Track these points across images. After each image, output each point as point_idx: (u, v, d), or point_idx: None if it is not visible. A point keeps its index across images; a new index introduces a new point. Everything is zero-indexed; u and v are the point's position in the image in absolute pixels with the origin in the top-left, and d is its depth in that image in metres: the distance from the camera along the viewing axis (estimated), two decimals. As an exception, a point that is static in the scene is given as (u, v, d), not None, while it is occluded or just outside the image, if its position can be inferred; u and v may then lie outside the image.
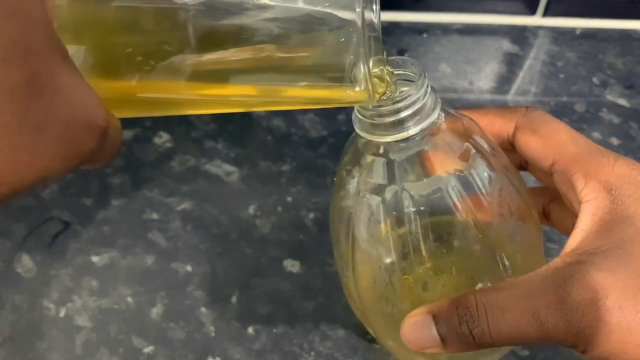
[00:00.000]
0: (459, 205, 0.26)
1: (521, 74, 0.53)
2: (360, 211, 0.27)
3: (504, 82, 0.52)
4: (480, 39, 0.56)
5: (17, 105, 0.14)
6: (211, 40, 0.20)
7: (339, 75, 0.21)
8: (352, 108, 0.25)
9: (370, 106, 0.24)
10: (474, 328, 0.23)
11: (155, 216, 0.44)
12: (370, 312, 0.30)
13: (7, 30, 0.14)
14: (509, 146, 0.28)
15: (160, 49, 0.19)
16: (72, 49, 0.17)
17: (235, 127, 0.50)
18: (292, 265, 0.41)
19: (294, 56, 0.21)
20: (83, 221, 0.44)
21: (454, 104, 0.50)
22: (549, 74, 0.53)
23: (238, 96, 0.21)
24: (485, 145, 0.27)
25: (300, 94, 0.22)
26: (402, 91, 0.24)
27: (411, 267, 0.28)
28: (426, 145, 0.26)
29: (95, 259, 0.42)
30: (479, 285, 0.28)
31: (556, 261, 0.23)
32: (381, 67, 0.24)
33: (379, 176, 0.26)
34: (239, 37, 0.20)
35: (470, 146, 0.26)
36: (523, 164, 0.30)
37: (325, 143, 0.48)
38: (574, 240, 0.24)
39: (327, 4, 0.20)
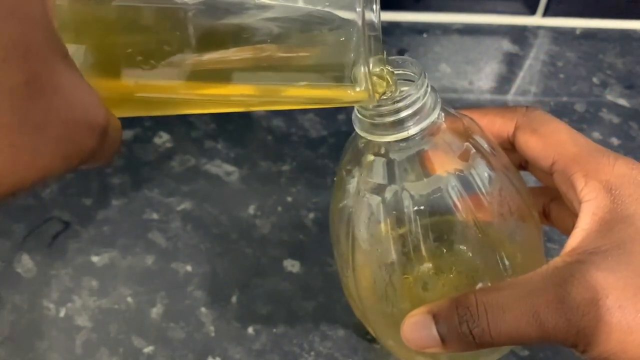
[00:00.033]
0: (459, 205, 0.26)
1: (521, 74, 0.53)
2: (361, 211, 0.27)
3: (504, 82, 0.52)
4: (480, 39, 0.56)
5: (17, 105, 0.14)
6: (211, 39, 0.20)
7: (339, 75, 0.21)
8: (352, 108, 0.25)
9: (370, 106, 0.24)
10: (474, 328, 0.23)
11: (155, 216, 0.44)
12: (370, 311, 0.30)
13: (7, 30, 0.14)
14: (509, 146, 0.28)
15: (160, 49, 0.19)
16: (72, 48, 0.17)
17: (235, 127, 0.50)
18: (292, 265, 0.41)
19: (294, 56, 0.21)
20: (83, 221, 0.44)
21: (454, 104, 0.50)
22: (549, 74, 0.53)
23: (238, 96, 0.21)
24: (486, 145, 0.27)
25: (301, 94, 0.22)
26: (402, 91, 0.24)
27: (411, 266, 0.28)
28: (426, 145, 0.26)
29: (95, 259, 0.42)
30: (479, 285, 0.28)
31: (556, 261, 0.23)
32: (381, 67, 0.24)
33: (379, 176, 0.26)
34: (239, 36, 0.20)
35: (470, 146, 0.26)
36: (523, 164, 0.30)
37: (325, 143, 0.48)
38: (574, 239, 0.24)
39: (327, 4, 0.20)
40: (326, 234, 0.32)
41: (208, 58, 0.20)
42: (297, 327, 0.38)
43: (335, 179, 0.29)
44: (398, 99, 0.24)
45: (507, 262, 0.27)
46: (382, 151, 0.26)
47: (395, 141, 0.25)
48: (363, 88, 0.21)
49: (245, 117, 0.50)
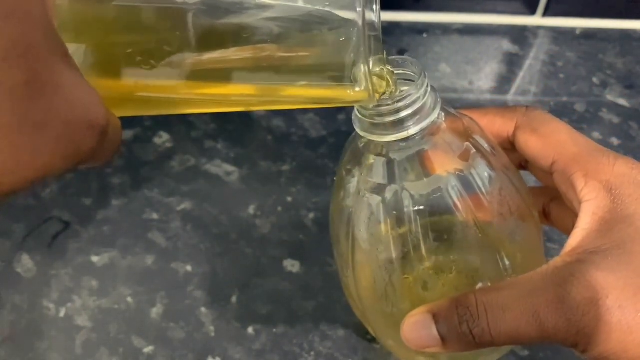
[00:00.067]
0: (459, 205, 0.26)
1: (521, 74, 0.53)
2: (361, 211, 0.27)
3: (504, 82, 0.52)
4: (480, 39, 0.56)
5: (17, 104, 0.14)
6: (211, 39, 0.20)
7: (339, 75, 0.21)
8: (352, 108, 0.25)
9: (370, 106, 0.24)
10: (474, 327, 0.23)
11: (155, 216, 0.44)
12: (370, 311, 0.30)
13: (8, 29, 0.14)
14: (509, 146, 0.28)
15: (160, 48, 0.19)
16: (72, 48, 0.17)
17: (235, 127, 0.50)
18: (292, 265, 0.41)
19: (294, 55, 0.21)
20: (83, 221, 0.44)
21: (454, 104, 0.50)
22: (549, 74, 0.53)
23: (238, 95, 0.21)
24: (486, 145, 0.27)
25: (301, 94, 0.22)
26: (402, 91, 0.24)
27: (411, 266, 0.28)
28: (426, 145, 0.26)
29: (95, 259, 0.42)
30: (479, 285, 0.28)
31: (556, 260, 0.23)
32: (381, 67, 0.24)
33: (379, 176, 0.26)
34: (239, 36, 0.20)
35: (471, 146, 0.26)
36: (523, 164, 0.30)
37: (325, 143, 0.48)
38: (574, 239, 0.24)
39: (327, 4, 0.20)
40: (326, 234, 0.32)
41: (208, 58, 0.20)
42: (297, 327, 0.38)
43: (335, 179, 0.29)
44: (398, 98, 0.24)
45: (507, 262, 0.27)
46: (382, 151, 0.26)
47: (395, 141, 0.25)
48: (363, 88, 0.21)
49: (245, 117, 0.50)
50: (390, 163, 0.26)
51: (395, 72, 0.25)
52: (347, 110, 0.49)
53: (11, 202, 0.45)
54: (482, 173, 0.26)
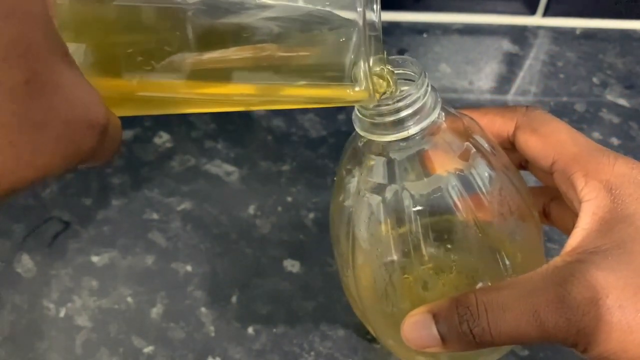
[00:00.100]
0: (459, 205, 0.26)
1: (521, 74, 0.53)
2: (361, 210, 0.27)
3: (504, 82, 0.52)
4: (480, 39, 0.56)
5: (18, 104, 0.14)
6: (211, 39, 0.20)
7: (340, 75, 0.21)
8: (352, 108, 0.25)
9: (370, 105, 0.24)
10: (474, 327, 0.23)
11: (155, 216, 0.44)
12: (370, 311, 0.30)
13: (8, 29, 0.14)
14: (509, 145, 0.28)
15: (160, 48, 0.19)
16: (72, 47, 0.17)
17: (235, 127, 0.50)
18: (292, 265, 0.41)
19: (295, 55, 0.21)
20: (83, 221, 0.44)
21: (454, 104, 0.50)
22: (549, 74, 0.53)
23: (238, 95, 0.21)
24: (486, 145, 0.27)
25: (301, 93, 0.22)
26: (402, 90, 0.24)
27: (411, 266, 0.28)
28: (426, 145, 0.26)
29: (95, 259, 0.42)
30: (479, 285, 0.28)
31: (556, 260, 0.23)
32: (381, 67, 0.24)
33: (379, 175, 0.26)
34: (239, 36, 0.20)
35: (471, 145, 0.26)
36: (523, 163, 0.30)
37: (325, 143, 0.48)
38: (574, 239, 0.24)
39: (327, 3, 0.20)
40: (326, 234, 0.32)
41: (208, 57, 0.20)
42: (297, 327, 0.38)
43: (335, 178, 0.29)
44: (398, 98, 0.24)
45: (507, 262, 0.27)
46: (383, 151, 0.26)
47: (396, 141, 0.25)
48: (363, 88, 0.21)
49: (245, 117, 0.50)
50: (390, 163, 0.26)
51: (396, 71, 0.25)
52: (347, 110, 0.49)
53: (11, 202, 0.45)
54: (482, 173, 0.26)
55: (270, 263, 0.41)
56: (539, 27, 0.56)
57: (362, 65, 0.20)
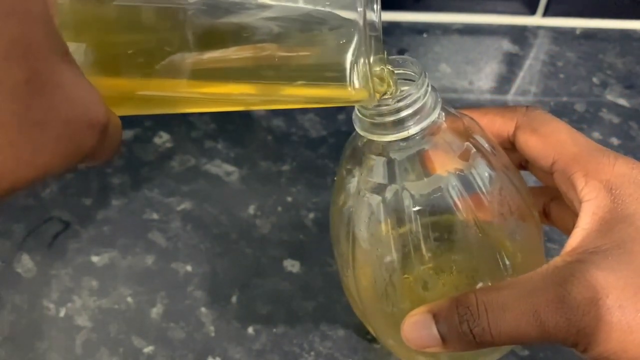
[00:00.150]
0: (459, 205, 0.26)
1: (521, 74, 0.53)
2: (361, 210, 0.27)
3: (504, 82, 0.52)
4: (480, 39, 0.56)
5: (18, 103, 0.14)
6: (212, 38, 0.20)
7: (340, 75, 0.21)
8: (353, 108, 0.25)
9: (370, 105, 0.24)
10: (474, 327, 0.23)
11: (155, 216, 0.44)
12: (370, 311, 0.30)
13: (8, 28, 0.14)
14: (509, 145, 0.28)
15: (161, 48, 0.19)
16: (73, 47, 0.17)
17: (235, 127, 0.50)
18: (292, 265, 0.41)
19: (295, 55, 0.21)
20: (83, 221, 0.44)
21: (454, 104, 0.50)
22: (549, 74, 0.53)
23: (239, 95, 0.21)
24: (486, 145, 0.27)
25: (301, 93, 0.22)
26: (402, 90, 0.24)
27: (411, 266, 0.28)
28: (426, 145, 0.26)
29: (95, 259, 0.42)
30: (480, 285, 0.28)
31: (556, 260, 0.23)
32: (382, 67, 0.24)
33: (379, 175, 0.26)
34: (239, 35, 0.20)
35: (471, 145, 0.26)
36: (523, 163, 0.30)
37: (325, 143, 0.48)
38: (575, 239, 0.24)
39: (327, 3, 0.20)
40: (326, 234, 0.32)
41: (208, 57, 0.20)
42: (297, 327, 0.38)
43: (335, 178, 0.29)
44: (398, 98, 0.24)
45: (507, 262, 0.27)
46: (383, 151, 0.26)
47: (396, 141, 0.25)
48: (363, 87, 0.21)
49: (245, 117, 0.50)
50: (390, 163, 0.26)
51: (396, 71, 0.25)
52: (347, 110, 0.49)
53: (11, 202, 0.45)
54: (482, 173, 0.26)
55: (270, 263, 0.41)
56: (539, 27, 0.56)
57: (362, 65, 0.20)
